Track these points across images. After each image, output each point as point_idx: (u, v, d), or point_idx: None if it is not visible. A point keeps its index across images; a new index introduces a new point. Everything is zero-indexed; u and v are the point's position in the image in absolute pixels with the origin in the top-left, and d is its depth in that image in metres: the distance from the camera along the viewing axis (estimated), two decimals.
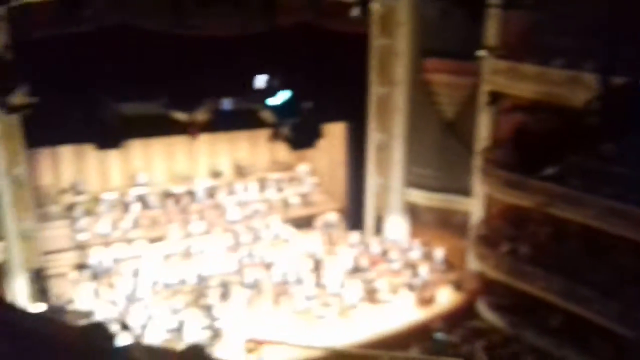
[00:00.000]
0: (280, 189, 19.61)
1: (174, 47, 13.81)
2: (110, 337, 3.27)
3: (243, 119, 16.66)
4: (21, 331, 4.42)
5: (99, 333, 3.19)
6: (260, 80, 15.16)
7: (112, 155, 17.70)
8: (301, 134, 16.42)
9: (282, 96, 15.28)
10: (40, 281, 14.20)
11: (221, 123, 16.19)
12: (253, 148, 20.59)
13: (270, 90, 15.40)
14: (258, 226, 17.37)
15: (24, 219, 14.01)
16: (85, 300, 13.69)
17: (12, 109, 13.05)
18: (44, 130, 13.62)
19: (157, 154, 18.76)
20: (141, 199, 17.57)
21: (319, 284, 15.05)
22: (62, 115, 13.45)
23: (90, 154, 17.46)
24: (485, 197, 16.19)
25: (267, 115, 15.83)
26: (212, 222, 17.31)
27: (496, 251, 15.01)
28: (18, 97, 13.03)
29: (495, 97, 15.33)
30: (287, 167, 20.86)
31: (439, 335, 13.72)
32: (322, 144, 19.27)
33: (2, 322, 4.45)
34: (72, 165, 17.46)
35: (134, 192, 17.62)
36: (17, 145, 13.75)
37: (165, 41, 13.73)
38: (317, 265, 15.76)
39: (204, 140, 19.12)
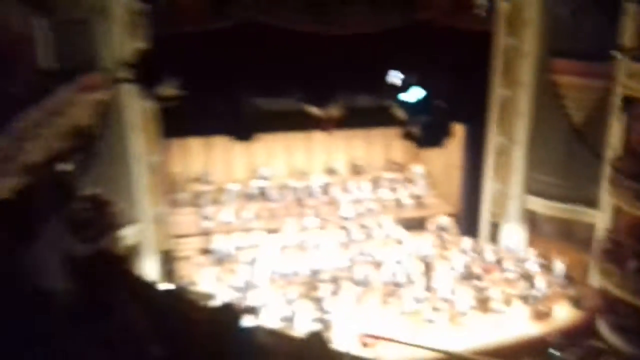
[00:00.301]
0: (393, 189, 19.64)
1: (310, 43, 14.33)
2: (238, 318, 3.54)
3: (375, 117, 16.98)
4: (159, 307, 4.89)
5: (228, 313, 3.47)
6: (394, 77, 15.36)
7: (237, 149, 18.84)
8: (430, 133, 16.38)
9: (415, 93, 15.37)
10: (168, 263, 15.45)
11: (353, 120, 16.59)
12: (368, 147, 20.81)
13: (404, 87, 15.57)
14: (370, 225, 17.54)
15: (157, 204, 15.28)
16: (207, 283, 14.62)
17: (160, 100, 14.35)
18: (180, 122, 14.80)
19: (278, 150, 19.60)
20: (262, 191, 18.50)
21: (428, 287, 14.89)
22: (200, 107, 14.59)
23: (218, 147, 18.74)
24: (613, 210, 15.03)
25: (399, 113, 16.01)
26: (326, 217, 17.77)
27: (622, 268, 13.91)
28: (166, 89, 14.35)
29: (629, 103, 14.17)
30: (402, 167, 20.84)
31: (554, 352, 13.03)
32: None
33: (142, 297, 4.90)
34: (200, 157, 18.79)
35: (255, 184, 18.59)
36: (154, 134, 14.99)
37: (302, 37, 14.30)
38: (428, 268, 15.59)
39: (321, 138, 19.73)
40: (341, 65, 14.44)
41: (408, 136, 16.46)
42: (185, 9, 14.06)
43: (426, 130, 16.00)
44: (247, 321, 5.18)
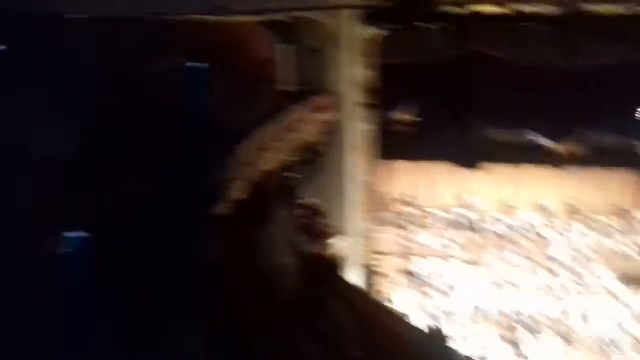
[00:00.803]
0: (613, 236, 17.83)
1: (550, 75, 14.13)
2: (447, 344, 3.61)
3: (614, 156, 16.00)
4: (368, 316, 5.20)
5: (438, 338, 3.56)
6: None
7: (444, 175, 18.92)
8: None
9: None
10: (367, 277, 16.02)
11: (589, 157, 15.87)
12: (585, 187, 19.17)
13: None
14: (582, 272, 16.14)
15: (363, 220, 16.00)
16: (402, 303, 14.82)
17: (394, 124, 15.33)
18: (400, 144, 15.56)
19: (486, 179, 19.12)
20: (466, 220, 18.20)
21: None
22: (427, 132, 15.22)
23: (426, 171, 19.01)
24: None
25: None
26: (533, 257, 16.82)
27: None
28: (402, 114, 15.29)
29: None
30: (624, 212, 18.83)
31: None
32: None
33: (352, 303, 5.22)
34: (408, 179, 19.20)
35: (460, 212, 18.37)
36: (370, 155, 15.82)
37: (542, 69, 14.17)
38: None
39: (532, 172, 18.83)
40: (583, 96, 13.84)
41: None
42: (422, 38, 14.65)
43: None
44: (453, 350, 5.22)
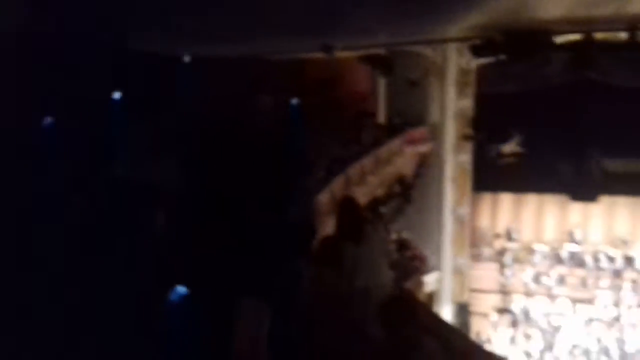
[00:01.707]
0: None
1: None
2: None
3: None
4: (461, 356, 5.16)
5: None
6: None
7: (549, 208, 18.05)
8: None
9: None
10: (463, 316, 15.56)
11: None
12: None
13: None
14: None
15: (459, 255, 15.66)
16: (501, 344, 14.22)
17: (501, 157, 15.13)
18: (507, 176, 15.20)
19: (596, 213, 17.99)
20: (573, 256, 17.15)
21: None
22: (538, 164, 14.83)
23: (529, 204, 18.21)
24: None
25: None
26: None
27: None
28: (510, 146, 15.09)
29: None
30: None
31: None
32: None
33: (444, 342, 5.16)
34: (509, 212, 18.48)
35: (567, 247, 17.35)
36: (465, 187, 15.56)
37: None
38: None
39: None
40: None
41: None
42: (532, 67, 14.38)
43: None
44: None
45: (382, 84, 15.92)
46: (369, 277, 4.83)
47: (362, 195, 11.83)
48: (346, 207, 5.34)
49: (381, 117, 16.12)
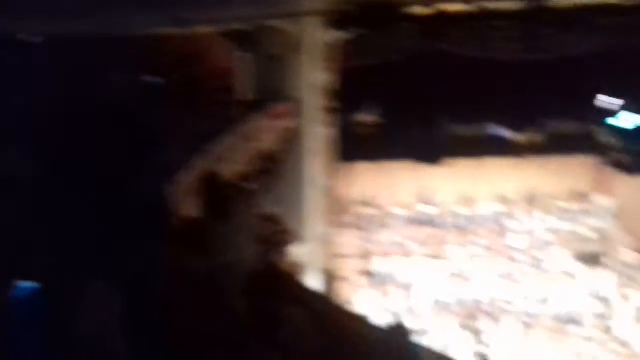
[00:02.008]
0: (572, 221, 18.45)
1: (511, 68, 14.63)
2: (409, 338, 3.71)
3: (574, 143, 16.58)
4: (329, 320, 5.43)
5: (401, 333, 3.69)
6: (607, 102, 14.99)
7: (404, 174, 19.35)
8: None
9: (632, 120, 14.86)
10: (329, 282, 16.25)
11: (550, 146, 16.44)
12: (545, 175, 19.78)
13: (614, 112, 15.10)
14: (541, 257, 16.68)
15: (323, 225, 16.24)
16: (364, 304, 15.11)
17: (356, 126, 15.60)
18: (362, 146, 15.83)
19: (446, 175, 19.57)
20: (427, 217, 18.62)
21: (604, 328, 13.76)
22: (390, 133, 15.54)
23: (385, 171, 19.36)
24: None
25: (606, 138, 15.46)
26: (493, 247, 17.29)
27: None
28: (364, 116, 15.59)
29: None
30: (582, 197, 19.48)
31: None
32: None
33: (312, 309, 5.39)
34: (367, 181, 19.49)
35: (421, 209, 18.77)
36: (328, 159, 16.06)
37: (503, 62, 14.65)
38: (605, 307, 14.40)
39: (493, 164, 19.38)
40: (544, 87, 14.44)
41: (616, 163, 15.80)
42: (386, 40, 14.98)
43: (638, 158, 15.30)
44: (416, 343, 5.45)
45: (243, 59, 15.81)
46: (232, 254, 4.92)
47: (227, 173, 11.79)
48: (209, 185, 5.36)
49: (244, 94, 16.05)
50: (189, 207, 8.57)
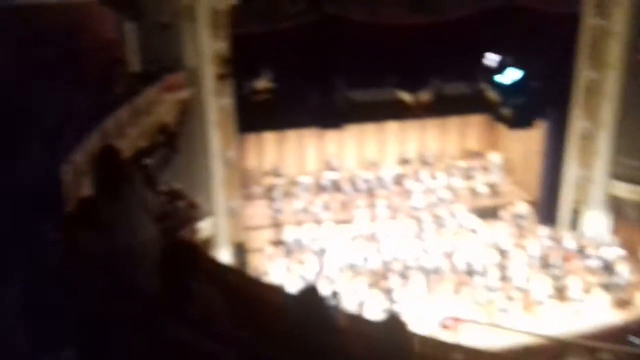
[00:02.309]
0: (468, 178, 19.36)
1: (402, 30, 14.78)
2: (323, 303, 3.61)
3: (466, 103, 17.21)
4: (240, 292, 5.20)
5: (311, 295, 3.57)
6: (489, 59, 15.53)
7: (309, 142, 19.39)
8: (524, 114, 16.36)
9: (511, 75, 15.50)
10: (241, 254, 16.04)
11: (445, 106, 16.97)
12: (442, 136, 20.61)
13: (499, 69, 15.71)
14: (443, 214, 17.38)
15: (231, 198, 15.92)
16: (278, 274, 15.05)
17: (253, 93, 15.16)
18: (261, 116, 15.53)
19: (349, 141, 19.83)
20: (333, 183, 18.78)
21: (503, 277, 14.62)
22: (290, 100, 15.30)
23: (290, 140, 19.28)
24: None
25: (492, 95, 16.12)
26: (398, 208, 17.78)
27: None
28: (262, 82, 15.16)
29: None
30: (478, 155, 20.49)
31: (636, 340, 12.47)
32: (517, 132, 18.66)
33: (221, 282, 5.16)
34: (273, 151, 19.35)
35: (326, 176, 18.90)
36: (230, 131, 15.63)
37: (394, 26, 14.75)
38: (503, 258, 15.29)
39: (394, 128, 19.88)
40: (435, 49, 14.82)
41: (500, 119, 16.61)
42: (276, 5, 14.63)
43: (519, 112, 16.12)
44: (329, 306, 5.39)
45: (130, 29, 14.87)
46: (131, 233, 4.56)
47: (122, 149, 11.09)
48: (105, 162, 4.89)
49: (133, 65, 15.15)
50: (84, 187, 7.94)
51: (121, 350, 3.47)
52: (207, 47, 14.82)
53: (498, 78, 16.14)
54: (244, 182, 17.54)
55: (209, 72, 15.03)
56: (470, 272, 14.83)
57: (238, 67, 14.91)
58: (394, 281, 14.36)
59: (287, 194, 18.44)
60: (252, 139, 18.59)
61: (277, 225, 17.14)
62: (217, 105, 15.28)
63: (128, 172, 4.97)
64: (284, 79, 15.43)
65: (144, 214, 4.72)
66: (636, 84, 15.37)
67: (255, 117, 15.74)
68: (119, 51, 15.07)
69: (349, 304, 13.49)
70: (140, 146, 12.63)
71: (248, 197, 18.00)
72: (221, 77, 14.94)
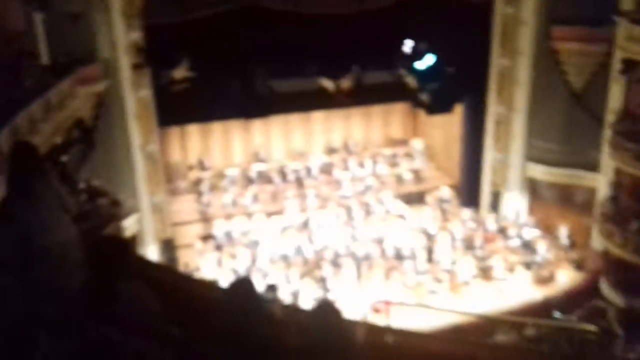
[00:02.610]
0: (393, 165, 19.73)
1: (323, 18, 14.72)
2: (255, 291, 3.54)
3: (387, 90, 17.42)
4: (171, 288, 4.98)
5: (245, 287, 3.48)
6: (406, 45, 15.77)
7: (235, 134, 19.09)
8: (441, 99, 16.73)
9: (426, 61, 15.79)
10: (169, 251, 15.59)
11: (366, 94, 17.09)
12: (367, 124, 20.90)
13: (416, 55, 15.96)
14: (371, 201, 17.63)
15: (156, 193, 15.41)
16: (209, 269, 14.75)
17: (172, 83, 14.62)
18: (188, 108, 15.08)
19: (276, 132, 19.70)
20: (261, 174, 18.59)
21: (430, 260, 15.04)
22: (212, 91, 14.91)
23: (216, 133, 18.89)
24: (614, 172, 15.11)
25: (411, 81, 16.37)
26: (327, 197, 17.86)
27: (624, 228, 14.01)
28: (180, 72, 14.64)
29: (629, 65, 14.14)
30: (401, 142, 20.92)
31: (557, 314, 13.20)
32: (438, 119, 19.22)
33: (149, 279, 4.94)
34: (198, 143, 18.89)
35: (254, 168, 18.67)
36: (151, 123, 15.09)
37: (314, 15, 14.67)
38: (429, 241, 15.71)
39: (319, 118, 19.93)
40: (355, 37, 14.95)
41: (419, 104, 16.91)
42: None
43: (436, 97, 16.48)
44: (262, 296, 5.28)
45: (39, 19, 14.00)
46: (47, 234, 4.27)
47: (36, 145, 10.41)
48: (17, 158, 4.54)
49: (44, 57, 14.29)
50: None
51: (46, 353, 3.25)
52: (122, 38, 14.22)
53: (415, 64, 16.50)
54: (168, 177, 17.04)
55: (124, 63, 14.44)
56: (399, 257, 15.15)
57: (155, 57, 14.41)
58: (326, 270, 14.43)
59: (215, 188, 18.07)
60: (175, 132, 18.07)
61: (206, 219, 16.78)
62: (135, 97, 14.73)
63: (43, 169, 4.64)
64: (204, 69, 15.04)
65: (62, 213, 4.42)
66: (547, 70, 16.17)
67: (177, 109, 15.28)
68: (27, 43, 14.19)
69: (283, 295, 13.43)
70: (55, 142, 11.95)
71: (174, 192, 17.51)
72: (137, 67, 14.38)
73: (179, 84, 14.80)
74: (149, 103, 14.84)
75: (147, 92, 14.73)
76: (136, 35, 14.23)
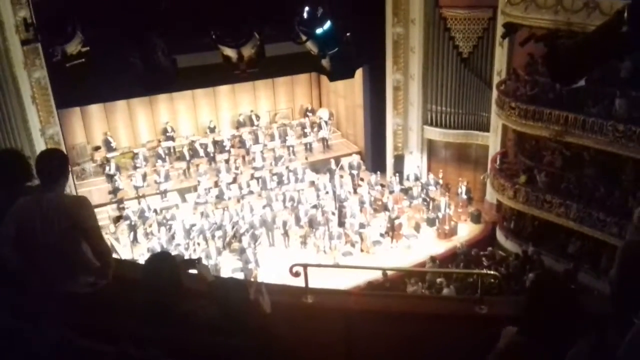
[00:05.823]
0: (302, 135, 20.11)
1: None
2: (172, 265, 3.50)
3: (291, 62, 17.45)
4: None
5: (161, 262, 3.49)
6: (304, 10, 15.88)
7: (140, 112, 18.62)
8: (341, 65, 16.99)
9: (323, 26, 16.04)
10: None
11: (271, 66, 16.98)
12: (273, 96, 21.07)
13: (315, 20, 16.12)
14: (283, 172, 17.98)
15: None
16: (125, 249, 14.57)
17: (69, 59, 13.76)
18: (78, 89, 14.41)
19: (183, 109, 19.42)
20: (171, 151, 18.33)
21: (343, 224, 15.72)
22: (109, 72, 14.34)
23: (119, 111, 18.31)
24: (502, 130, 16.48)
25: (311, 47, 16.53)
26: (239, 170, 18.01)
27: (514, 182, 15.40)
28: (74, 46, 13.79)
29: (511, 29, 15.28)
30: (310, 111, 21.31)
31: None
32: (341, 88, 19.77)
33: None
34: (103, 122, 18.25)
35: (164, 145, 18.35)
36: (49, 106, 14.45)
37: None
38: (341, 207, 16.38)
39: (226, 92, 19.85)
40: (255, 8, 14.81)
41: (321, 70, 17.08)
42: None
43: (336, 63, 16.79)
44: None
45: None
46: None
47: None
48: None
49: None
50: None
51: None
52: (9, 17, 13.38)
53: (315, 30, 16.87)
54: (73, 160, 16.44)
55: (15, 44, 13.62)
56: (313, 224, 15.69)
57: (46, 32, 13.61)
58: (245, 241, 14.72)
59: (125, 167, 17.64)
60: (76, 112, 17.38)
61: (117, 201, 16.40)
62: (30, 79, 14.03)
63: None
64: (99, 42, 14.43)
65: None
66: (437, 37, 17.15)
67: (75, 88, 14.65)
68: None
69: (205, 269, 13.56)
70: None
71: (81, 175, 16.93)
72: (26, 43, 13.51)
73: (74, 58, 14.09)
74: (45, 84, 14.19)
75: (42, 73, 14.06)
76: (24, 13, 13.38)
